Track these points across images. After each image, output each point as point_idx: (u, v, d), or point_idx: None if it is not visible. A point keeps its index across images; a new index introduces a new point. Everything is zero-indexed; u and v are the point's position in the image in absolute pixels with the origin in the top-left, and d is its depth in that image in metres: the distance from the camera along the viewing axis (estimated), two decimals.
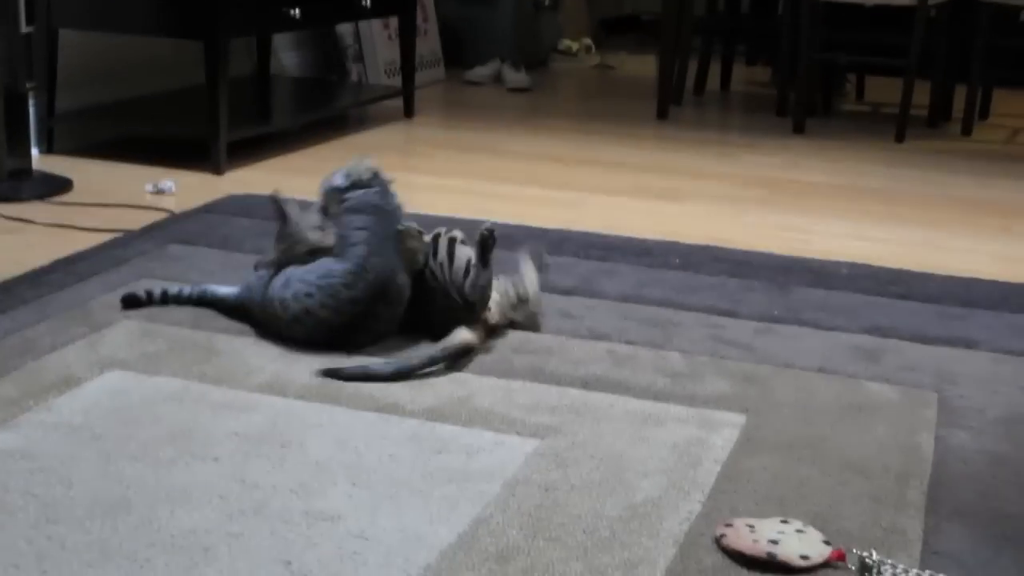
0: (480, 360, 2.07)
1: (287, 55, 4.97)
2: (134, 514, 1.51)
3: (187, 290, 2.26)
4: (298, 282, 2.08)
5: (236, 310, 2.21)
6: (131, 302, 2.25)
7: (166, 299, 2.25)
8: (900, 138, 4.47)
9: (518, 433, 1.79)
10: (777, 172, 3.84)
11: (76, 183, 3.21)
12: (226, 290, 2.25)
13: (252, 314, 2.17)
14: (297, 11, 3.76)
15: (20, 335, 2.09)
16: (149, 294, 2.26)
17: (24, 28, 3.15)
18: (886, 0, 4.53)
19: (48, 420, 1.77)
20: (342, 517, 1.52)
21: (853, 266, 2.73)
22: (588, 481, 1.65)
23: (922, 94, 4.81)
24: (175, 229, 2.79)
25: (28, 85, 3.23)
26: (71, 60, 3.72)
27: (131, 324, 2.16)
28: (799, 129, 4.55)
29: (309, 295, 2.05)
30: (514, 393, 1.94)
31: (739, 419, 1.87)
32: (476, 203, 3.16)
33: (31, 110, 3.38)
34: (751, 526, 1.51)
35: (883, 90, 5.55)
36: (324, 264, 2.08)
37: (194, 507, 1.53)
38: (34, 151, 3.43)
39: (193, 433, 1.75)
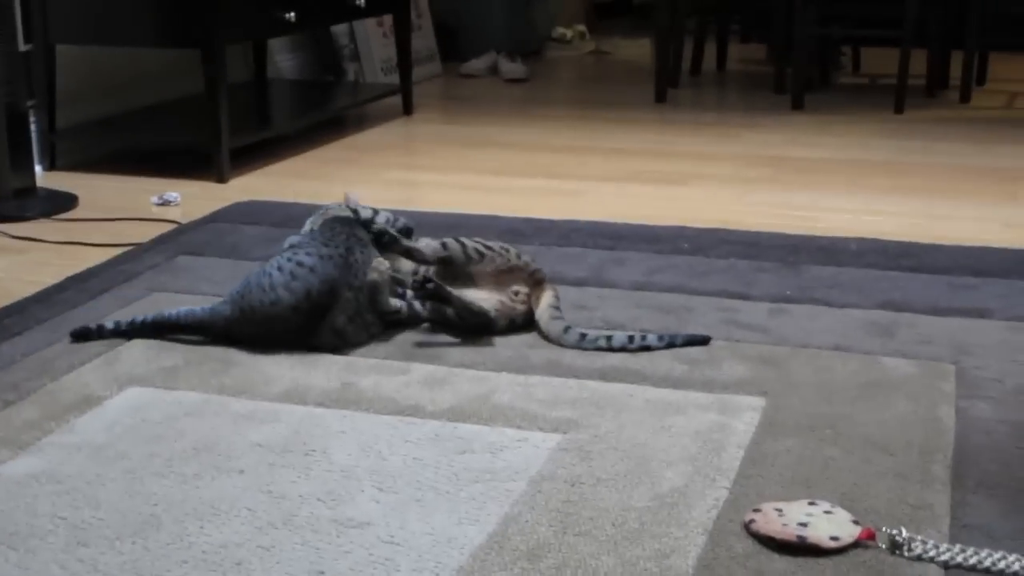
0: (496, 356, 2.07)
1: (283, 58, 4.97)
2: (164, 532, 1.51)
3: (139, 318, 2.18)
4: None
5: (204, 328, 2.15)
6: (81, 336, 2.16)
7: (118, 331, 2.17)
8: (899, 109, 4.47)
9: (540, 429, 1.79)
10: (779, 150, 3.84)
11: (81, 199, 3.21)
12: (184, 310, 2.17)
13: (231, 325, 2.13)
14: (292, 15, 3.76)
15: (37, 356, 2.09)
16: (100, 328, 2.17)
17: (22, 46, 3.14)
18: None
19: (71, 441, 1.77)
20: (371, 523, 1.53)
21: (862, 241, 2.73)
22: (613, 473, 1.65)
23: (919, 63, 4.80)
24: (183, 240, 2.79)
25: (28, 103, 3.22)
26: (69, 75, 3.72)
27: (147, 340, 2.16)
28: (798, 105, 4.55)
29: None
30: (533, 388, 1.94)
31: (759, 402, 1.87)
32: (480, 198, 3.16)
33: (32, 127, 3.38)
34: (779, 510, 1.50)
35: (880, 61, 5.55)
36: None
37: (223, 521, 1.54)
38: (37, 168, 3.43)
39: (217, 446, 1.75)
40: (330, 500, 1.59)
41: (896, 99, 4.47)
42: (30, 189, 3.20)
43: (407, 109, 4.55)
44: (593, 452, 1.71)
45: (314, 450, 1.73)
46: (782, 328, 2.19)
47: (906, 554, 1.42)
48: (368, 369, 2.03)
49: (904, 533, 1.44)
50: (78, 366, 2.05)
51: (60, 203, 3.16)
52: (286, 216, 2.93)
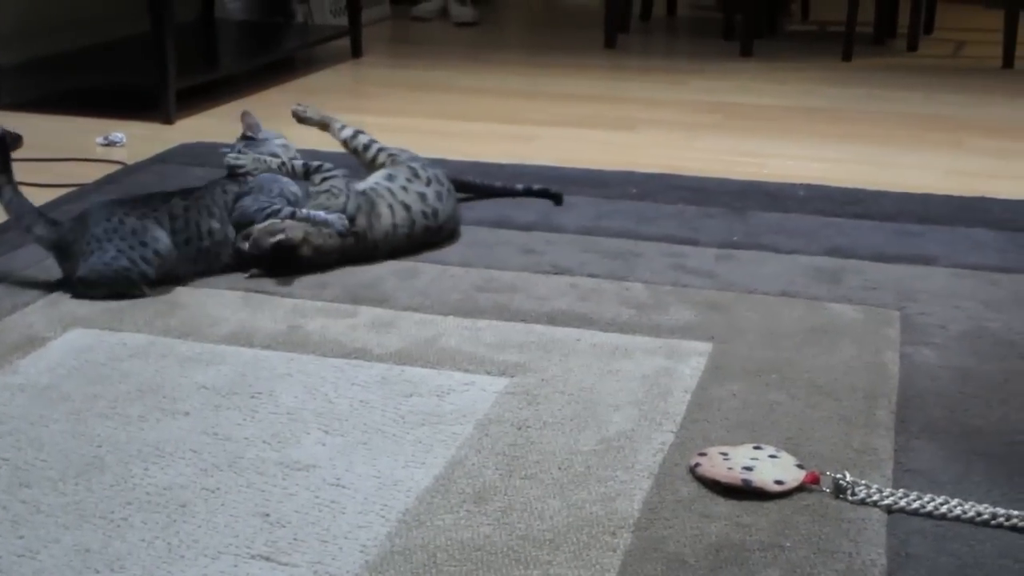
0: (445, 300, 2.05)
1: None
2: (108, 473, 1.49)
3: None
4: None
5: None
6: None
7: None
8: (847, 56, 4.46)
9: (487, 372, 1.78)
10: (728, 96, 3.82)
11: (25, 139, 3.14)
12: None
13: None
14: None
15: None
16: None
17: None
18: None
19: (14, 382, 1.74)
20: (317, 466, 1.51)
21: (809, 188, 2.73)
22: (560, 417, 1.64)
23: (867, 11, 4.80)
24: (129, 181, 2.74)
25: None
26: (10, 14, 3.63)
27: None
28: (747, 52, 4.53)
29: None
30: (481, 332, 1.92)
31: (706, 347, 1.87)
32: (428, 141, 3.13)
33: None
34: (724, 454, 1.51)
35: (828, 7, 5.54)
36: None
37: (168, 463, 1.51)
38: None
39: (162, 388, 1.72)
40: (276, 443, 1.57)
41: (844, 46, 4.47)
42: None
43: (356, 52, 4.49)
44: (540, 396, 1.70)
45: (260, 392, 1.71)
46: (729, 274, 2.19)
47: (850, 498, 1.43)
48: (315, 312, 2.00)
49: (848, 477, 1.45)
50: (21, 307, 2.01)
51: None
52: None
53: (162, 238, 2.08)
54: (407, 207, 2.27)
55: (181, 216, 2.13)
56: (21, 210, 2.11)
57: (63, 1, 3.87)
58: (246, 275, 2.15)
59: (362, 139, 2.42)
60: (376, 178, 2.32)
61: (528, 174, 2.81)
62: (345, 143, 2.44)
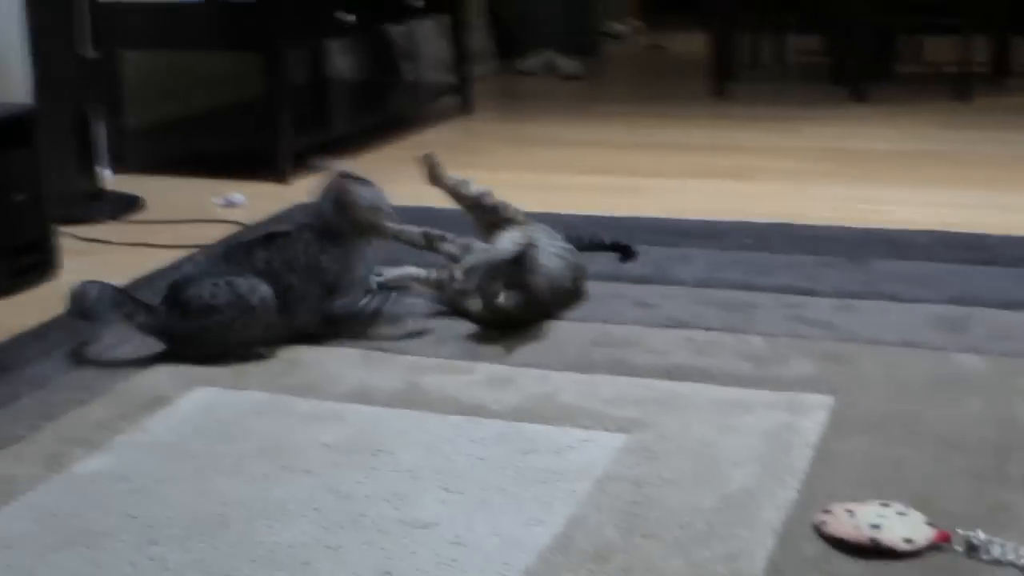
0: (561, 355, 2.05)
1: (340, 58, 4.97)
2: (232, 531, 1.51)
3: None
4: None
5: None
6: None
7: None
8: (962, 97, 4.38)
9: (605, 429, 1.77)
10: (841, 142, 3.78)
11: (147, 201, 3.23)
12: None
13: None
14: (351, 16, 3.75)
15: (108, 357, 2.10)
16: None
17: (91, 54, 3.16)
18: None
19: (142, 440, 1.78)
20: (437, 524, 1.51)
21: (931, 234, 2.68)
22: (680, 474, 1.62)
23: (979, 50, 4.72)
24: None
25: (96, 108, 3.24)
26: (134, 79, 3.74)
27: None
28: (859, 96, 4.48)
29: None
30: (598, 387, 1.92)
31: (827, 400, 1.83)
32: (538, 195, 3.13)
33: (100, 131, 3.40)
34: (850, 511, 1.47)
35: (940, 49, 5.45)
36: None
37: (291, 521, 1.53)
38: (104, 171, 3.45)
39: (284, 446, 1.74)
40: (396, 500, 1.57)
41: (958, 87, 4.39)
42: (97, 192, 3.22)
43: (466, 108, 4.54)
44: (659, 452, 1.69)
45: (380, 450, 1.72)
46: (849, 324, 2.15)
47: (984, 557, 1.38)
48: (432, 369, 2.01)
49: (981, 535, 1.40)
50: (149, 366, 2.05)
51: (127, 205, 3.18)
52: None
53: (267, 295, 2.07)
54: (565, 262, 2.27)
55: (264, 271, 2.08)
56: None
57: (181, 66, 3.98)
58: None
59: (492, 199, 2.41)
60: (519, 236, 2.29)
61: (641, 226, 2.80)
62: (477, 199, 2.41)
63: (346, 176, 2.17)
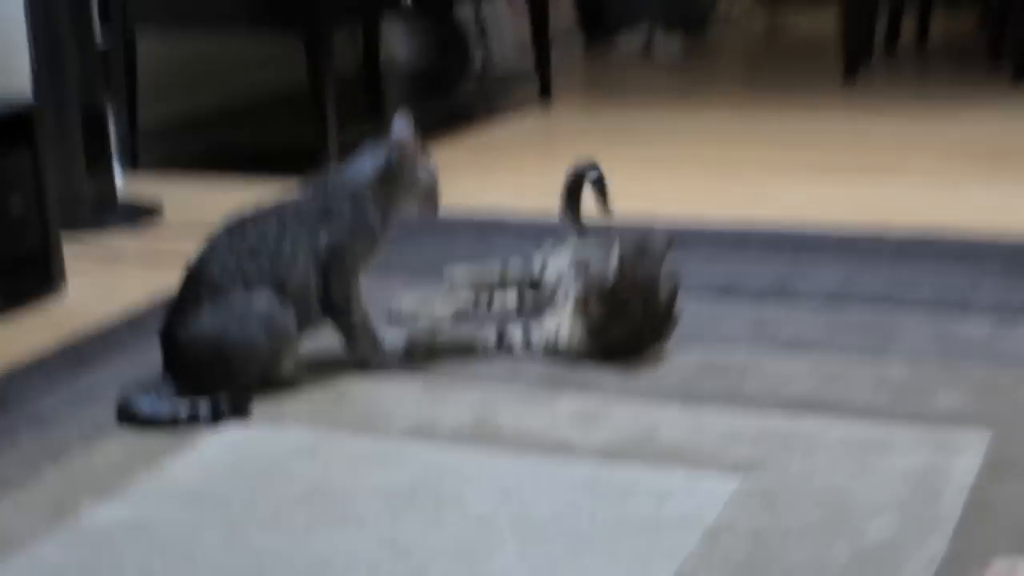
0: (661, 384, 2.06)
1: (398, 42, 5.03)
2: None
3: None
4: None
5: None
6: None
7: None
8: None
9: (716, 470, 1.77)
10: (998, 136, 3.76)
11: (167, 205, 3.28)
12: None
13: None
14: None
15: (123, 387, 2.13)
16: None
17: (99, 40, 3.23)
18: None
19: (162, 486, 1.81)
20: None
21: None
22: (805, 523, 1.62)
23: None
24: None
25: (107, 101, 3.31)
26: (152, 70, 3.81)
27: None
28: (1021, 81, 4.44)
29: None
30: (706, 422, 1.92)
31: (982, 438, 1.83)
32: (637, 200, 3.15)
33: (111, 128, 3.47)
34: (1013, 569, 1.46)
35: None
36: None
37: None
38: (118, 172, 3.52)
39: (330, 492, 1.77)
40: (466, 556, 1.59)
41: None
42: (110, 195, 3.28)
43: (544, 96, 4.56)
44: (780, 498, 1.69)
45: (445, 496, 1.74)
46: (1009, 348, 2.15)
47: None
48: (507, 400, 2.03)
49: None
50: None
51: (144, 211, 3.24)
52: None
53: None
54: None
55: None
56: None
57: (205, 55, 4.05)
58: None
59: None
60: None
61: (758, 234, 2.81)
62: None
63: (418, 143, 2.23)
